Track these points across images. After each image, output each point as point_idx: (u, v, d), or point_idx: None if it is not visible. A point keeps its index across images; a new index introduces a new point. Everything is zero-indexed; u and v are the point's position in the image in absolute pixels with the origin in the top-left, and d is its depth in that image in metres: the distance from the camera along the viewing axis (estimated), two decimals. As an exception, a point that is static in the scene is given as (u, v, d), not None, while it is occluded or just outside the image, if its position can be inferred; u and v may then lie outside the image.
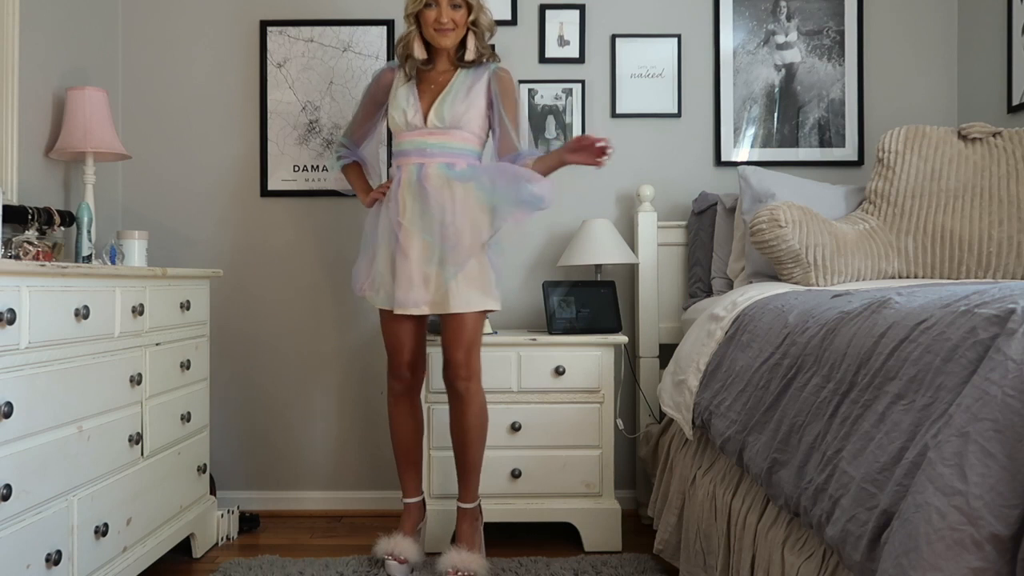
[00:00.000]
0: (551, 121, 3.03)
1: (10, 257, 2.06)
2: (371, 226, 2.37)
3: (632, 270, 3.00)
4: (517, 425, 2.54)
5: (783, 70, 3.07)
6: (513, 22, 3.02)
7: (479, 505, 2.43)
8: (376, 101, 2.46)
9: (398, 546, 2.32)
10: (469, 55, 2.33)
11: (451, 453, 2.51)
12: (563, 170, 3.00)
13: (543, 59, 3.03)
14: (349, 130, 2.54)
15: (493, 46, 2.40)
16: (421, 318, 2.35)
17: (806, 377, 1.50)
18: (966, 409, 0.97)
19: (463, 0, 2.27)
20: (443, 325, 2.32)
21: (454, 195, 2.26)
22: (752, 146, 3.07)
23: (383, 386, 2.99)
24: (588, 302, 2.69)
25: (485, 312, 2.34)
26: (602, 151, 2.28)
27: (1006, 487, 0.91)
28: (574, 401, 2.57)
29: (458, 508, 2.40)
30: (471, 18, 2.30)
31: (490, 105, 2.35)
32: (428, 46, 2.35)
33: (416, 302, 2.25)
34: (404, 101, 2.31)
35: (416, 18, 2.29)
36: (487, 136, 2.41)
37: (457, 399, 2.35)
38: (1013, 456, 0.92)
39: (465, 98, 2.30)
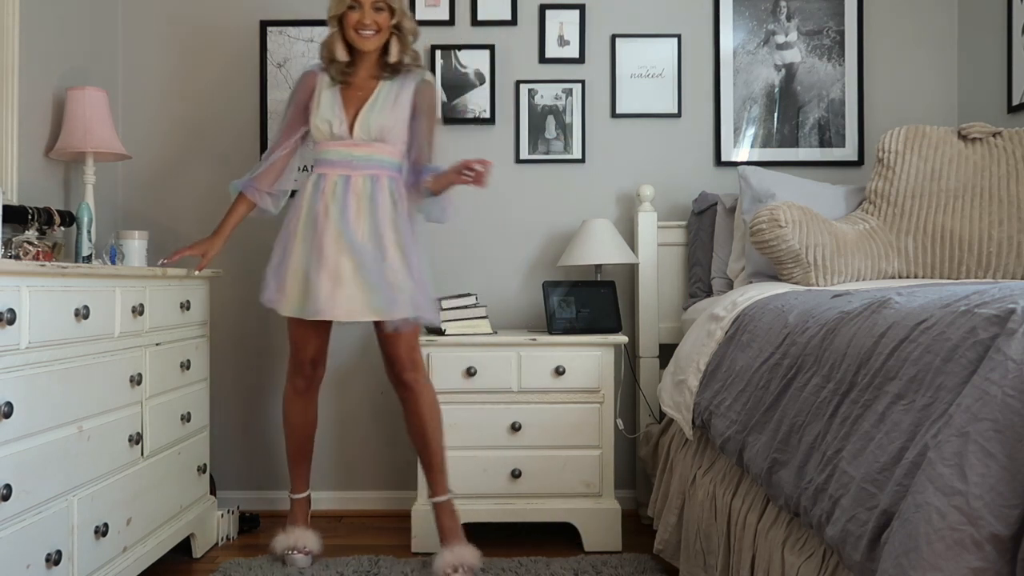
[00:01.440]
0: (551, 121, 3.03)
1: (10, 257, 2.06)
2: (286, 239, 2.32)
3: (632, 270, 3.00)
4: (517, 425, 2.54)
5: (783, 70, 3.07)
6: (513, 22, 3.02)
7: (451, 497, 2.41)
8: (302, 105, 2.38)
9: (301, 538, 2.39)
10: (392, 58, 2.32)
11: (451, 453, 2.52)
12: (563, 170, 3.04)
13: (543, 59, 3.03)
14: (275, 143, 2.43)
15: (418, 52, 2.42)
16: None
17: (806, 377, 1.50)
18: (966, 409, 0.97)
19: (386, 3, 2.27)
20: (380, 328, 2.34)
21: (378, 207, 2.28)
22: (752, 146, 3.07)
23: (383, 385, 3.00)
24: (588, 302, 2.69)
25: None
26: (479, 172, 2.24)
27: (1006, 487, 0.91)
28: (574, 401, 2.57)
29: (435, 505, 2.38)
30: (394, 22, 2.30)
31: (413, 116, 2.37)
32: (352, 50, 2.33)
33: (350, 312, 2.24)
34: (329, 110, 2.30)
35: (339, 20, 2.29)
36: (406, 143, 2.39)
37: (408, 392, 2.38)
38: (1013, 456, 0.92)
39: (392, 110, 2.31)
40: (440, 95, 2.46)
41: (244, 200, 2.43)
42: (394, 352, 2.36)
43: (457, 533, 2.35)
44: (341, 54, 2.31)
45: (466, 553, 2.29)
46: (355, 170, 2.30)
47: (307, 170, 2.54)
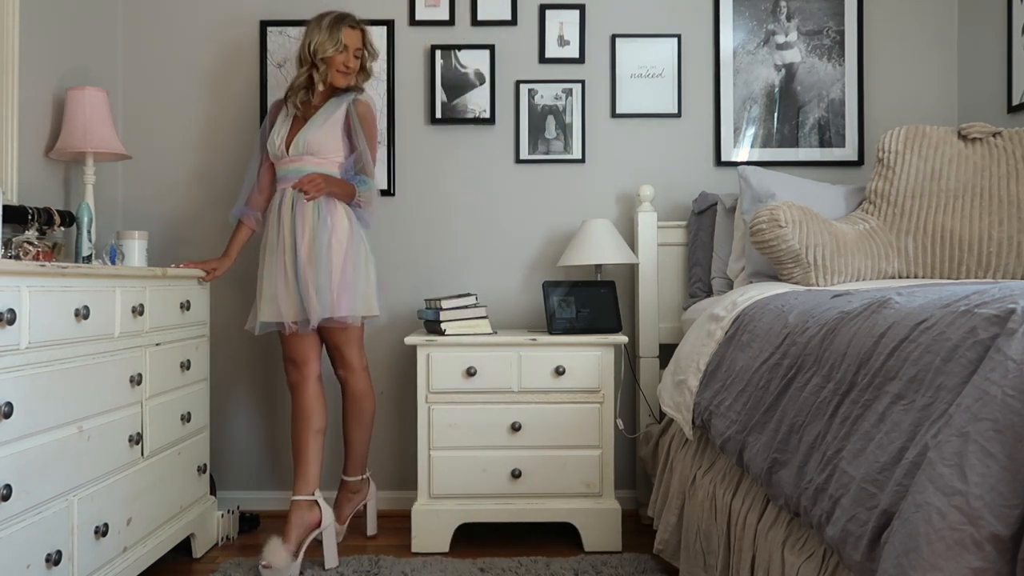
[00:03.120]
0: (551, 121, 3.03)
1: (10, 257, 2.06)
2: (264, 258, 2.53)
3: (632, 270, 3.00)
4: (517, 425, 2.54)
5: (783, 70, 3.07)
6: (513, 22, 3.02)
7: (362, 479, 2.70)
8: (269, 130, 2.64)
9: (268, 550, 2.28)
10: (342, 86, 2.59)
11: (451, 453, 2.54)
12: (563, 170, 3.04)
13: (543, 59, 3.03)
14: (259, 172, 2.64)
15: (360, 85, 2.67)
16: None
17: (806, 377, 1.50)
18: (966, 409, 0.97)
19: (362, 51, 2.60)
20: (327, 329, 2.53)
21: (314, 215, 2.47)
22: (752, 146, 3.07)
23: (383, 386, 3.00)
24: (588, 302, 2.69)
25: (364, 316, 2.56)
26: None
27: (1006, 487, 0.91)
28: (574, 401, 2.57)
29: (342, 480, 2.70)
30: (360, 65, 2.62)
31: (348, 131, 2.59)
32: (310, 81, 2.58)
33: (294, 314, 2.45)
34: (276, 132, 2.58)
35: (322, 58, 2.52)
36: (347, 156, 2.59)
37: (340, 384, 2.69)
38: (1013, 456, 0.92)
39: (321, 127, 2.54)
40: (376, 109, 2.77)
41: (244, 224, 2.65)
42: (329, 350, 2.65)
43: (339, 506, 2.67)
44: (319, 83, 2.54)
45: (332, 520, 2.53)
46: (289, 183, 2.52)
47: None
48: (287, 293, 2.45)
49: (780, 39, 3.07)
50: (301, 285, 2.44)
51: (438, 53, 3.00)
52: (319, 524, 2.43)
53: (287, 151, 2.53)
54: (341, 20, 2.55)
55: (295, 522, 2.39)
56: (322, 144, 2.53)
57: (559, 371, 2.55)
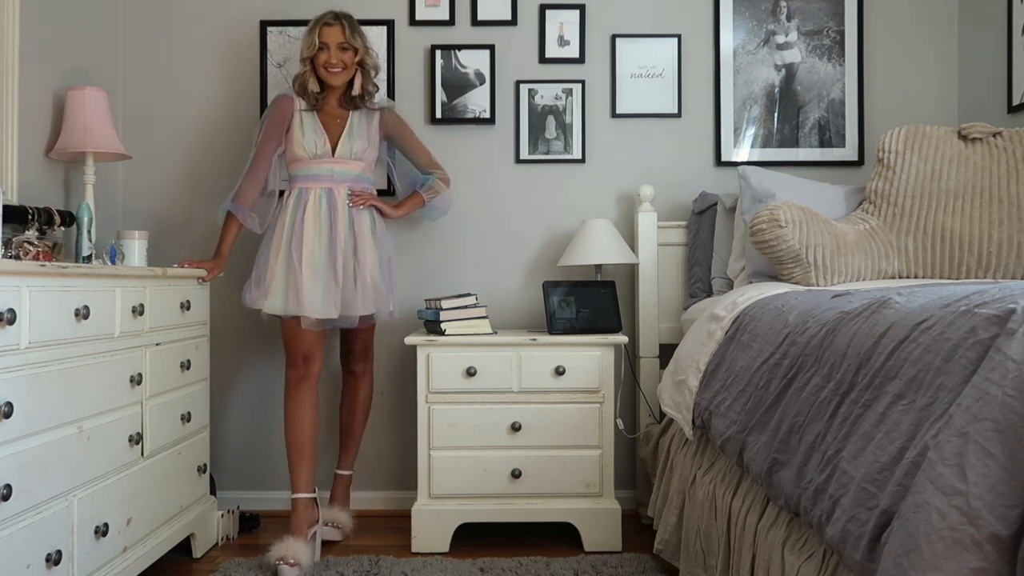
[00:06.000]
0: (551, 121, 3.03)
1: (10, 257, 2.06)
2: (270, 246, 2.55)
3: (632, 270, 3.00)
4: (517, 425, 2.54)
5: (783, 70, 3.07)
6: (513, 22, 3.02)
7: (352, 473, 2.83)
8: (279, 125, 2.61)
9: (290, 549, 2.32)
10: (356, 90, 2.63)
11: (451, 453, 2.54)
12: (563, 169, 3.04)
13: (543, 59, 3.03)
14: (253, 165, 2.60)
15: (378, 85, 2.73)
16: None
17: (806, 377, 1.50)
18: (966, 409, 0.97)
19: (349, 44, 2.57)
20: (358, 327, 2.65)
21: (357, 216, 2.58)
22: (752, 146, 3.07)
23: (383, 385, 3.00)
24: (588, 302, 2.70)
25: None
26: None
27: (1006, 487, 0.91)
28: (574, 401, 2.57)
29: (337, 474, 2.79)
30: (357, 59, 2.60)
31: (391, 140, 2.75)
32: (322, 83, 2.62)
33: (328, 310, 2.48)
34: (312, 131, 2.59)
35: (311, 60, 2.58)
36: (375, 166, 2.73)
37: (353, 379, 2.79)
38: (1013, 456, 0.92)
39: (366, 136, 2.64)
40: (397, 109, 2.86)
41: (234, 220, 2.62)
42: (353, 345, 2.76)
43: (343, 501, 2.76)
44: (314, 86, 2.59)
45: (342, 516, 2.68)
46: (337, 183, 2.58)
47: (281, 195, 2.69)
48: (332, 288, 2.49)
49: (780, 39, 3.07)
50: (355, 280, 2.51)
51: (438, 53, 3.01)
52: (318, 520, 2.52)
53: (333, 152, 2.58)
54: (319, 20, 2.58)
55: (304, 518, 2.47)
56: (367, 151, 2.63)
57: (559, 371, 2.55)
